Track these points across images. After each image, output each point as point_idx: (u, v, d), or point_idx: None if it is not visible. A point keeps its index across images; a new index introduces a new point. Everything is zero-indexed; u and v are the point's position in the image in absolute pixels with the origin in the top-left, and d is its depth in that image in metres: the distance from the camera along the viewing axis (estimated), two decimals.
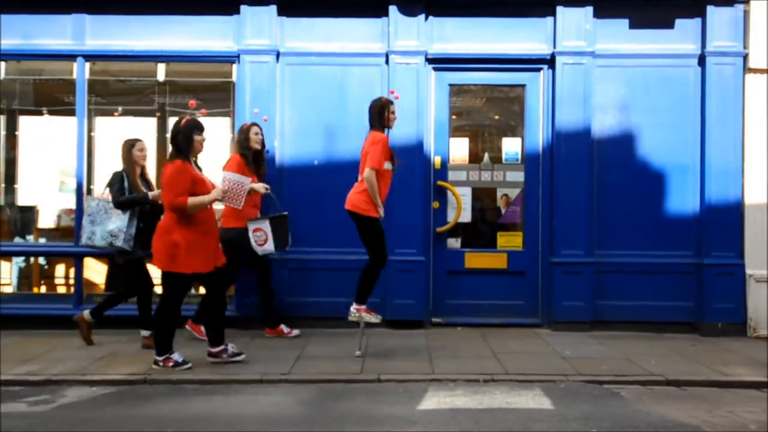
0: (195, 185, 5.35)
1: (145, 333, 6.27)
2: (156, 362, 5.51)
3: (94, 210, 6.08)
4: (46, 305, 7.44)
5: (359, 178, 5.95)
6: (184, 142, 5.39)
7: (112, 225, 5.99)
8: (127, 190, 6.06)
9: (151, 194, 6.10)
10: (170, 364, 5.48)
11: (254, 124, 6.59)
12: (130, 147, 6.23)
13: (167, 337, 5.52)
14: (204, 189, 5.43)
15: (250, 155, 6.47)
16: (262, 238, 6.15)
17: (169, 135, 5.69)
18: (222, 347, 5.66)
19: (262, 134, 6.58)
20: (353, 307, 5.92)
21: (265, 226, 6.21)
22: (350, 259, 7.01)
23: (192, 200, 5.28)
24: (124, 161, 6.22)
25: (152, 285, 6.27)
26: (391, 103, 6.07)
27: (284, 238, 6.43)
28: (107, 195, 6.12)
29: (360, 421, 4.44)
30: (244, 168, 6.30)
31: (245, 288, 7.08)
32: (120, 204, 6.02)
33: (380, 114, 5.96)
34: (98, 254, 7.02)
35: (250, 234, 6.15)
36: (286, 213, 6.48)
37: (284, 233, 6.42)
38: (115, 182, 6.09)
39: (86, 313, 6.25)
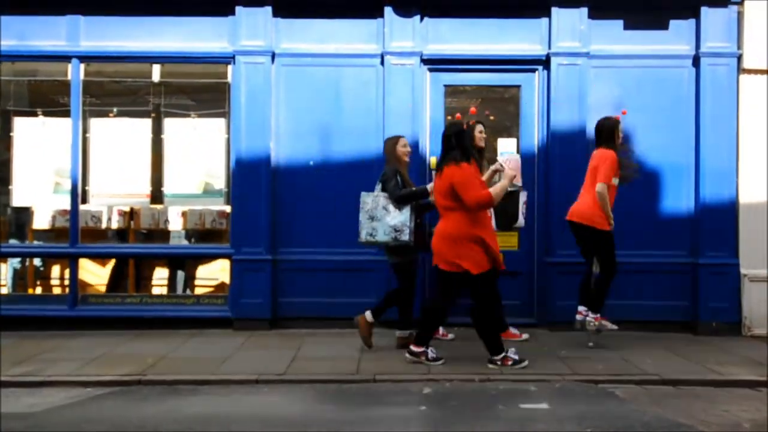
0: (481, 183, 5.51)
1: (402, 333, 6.21)
2: (493, 362, 5.58)
3: (371, 206, 6.01)
4: (42, 306, 7.43)
5: (581, 194, 6.21)
6: (467, 144, 5.53)
7: (395, 220, 5.93)
8: (400, 185, 6.06)
9: (429, 186, 6.03)
10: (509, 362, 5.55)
11: (478, 122, 6.47)
12: (394, 144, 6.25)
13: (496, 336, 5.66)
14: (484, 186, 5.53)
15: (475, 152, 6.25)
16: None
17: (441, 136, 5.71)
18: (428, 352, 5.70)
19: (485, 133, 6.49)
20: (590, 317, 6.12)
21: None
22: (346, 260, 7.06)
23: (493, 190, 5.43)
24: (391, 158, 6.23)
25: (414, 286, 6.21)
26: (620, 123, 6.27)
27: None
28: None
29: (355, 421, 4.44)
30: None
31: (239, 289, 7.08)
32: (401, 198, 5.98)
33: (612, 133, 6.19)
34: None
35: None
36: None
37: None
38: (392, 177, 6.05)
39: (367, 314, 6.18)
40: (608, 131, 6.19)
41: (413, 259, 6.17)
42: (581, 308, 6.21)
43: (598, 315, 6.14)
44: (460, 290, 5.56)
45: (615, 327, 6.21)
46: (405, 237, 5.92)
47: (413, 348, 5.66)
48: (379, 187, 6.16)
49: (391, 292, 6.32)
